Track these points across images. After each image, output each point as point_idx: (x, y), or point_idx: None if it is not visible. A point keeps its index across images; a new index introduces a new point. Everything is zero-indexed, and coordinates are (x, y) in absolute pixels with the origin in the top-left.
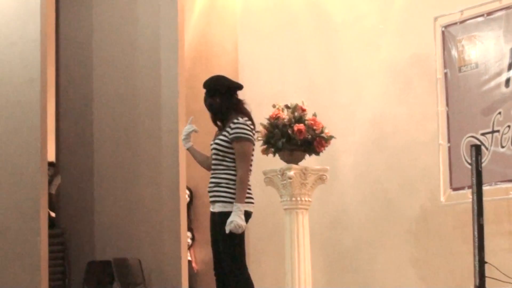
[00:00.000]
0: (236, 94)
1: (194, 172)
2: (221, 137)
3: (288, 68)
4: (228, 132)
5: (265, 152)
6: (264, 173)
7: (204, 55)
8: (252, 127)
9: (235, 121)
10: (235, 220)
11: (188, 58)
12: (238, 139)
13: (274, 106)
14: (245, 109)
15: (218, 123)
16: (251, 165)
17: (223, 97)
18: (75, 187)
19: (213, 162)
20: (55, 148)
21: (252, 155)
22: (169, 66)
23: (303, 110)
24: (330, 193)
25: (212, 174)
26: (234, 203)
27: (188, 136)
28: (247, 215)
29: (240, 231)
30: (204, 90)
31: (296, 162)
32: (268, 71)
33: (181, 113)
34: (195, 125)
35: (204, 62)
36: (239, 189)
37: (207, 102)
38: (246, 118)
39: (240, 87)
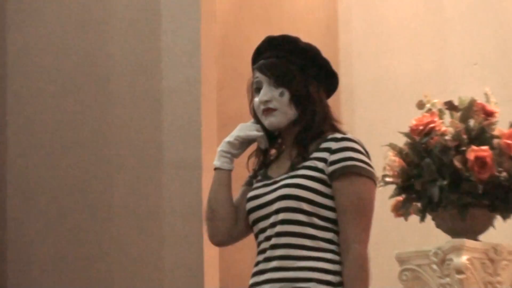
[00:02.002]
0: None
1: (240, 251)
2: (305, 171)
3: (449, 27)
4: (322, 159)
5: (399, 210)
6: (399, 258)
7: (259, 10)
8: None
9: (339, 136)
10: None
11: (222, 17)
12: (353, 170)
13: (420, 104)
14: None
15: (271, 150)
16: None
17: (321, 87)
18: None
19: (280, 226)
20: None
21: None
22: (180, 33)
23: (489, 114)
24: None
25: (273, 251)
26: None
27: (240, 147)
28: None
29: None
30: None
31: (474, 236)
32: (398, 34)
33: (209, 129)
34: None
35: (259, 22)
36: (359, 283)
37: (295, 81)
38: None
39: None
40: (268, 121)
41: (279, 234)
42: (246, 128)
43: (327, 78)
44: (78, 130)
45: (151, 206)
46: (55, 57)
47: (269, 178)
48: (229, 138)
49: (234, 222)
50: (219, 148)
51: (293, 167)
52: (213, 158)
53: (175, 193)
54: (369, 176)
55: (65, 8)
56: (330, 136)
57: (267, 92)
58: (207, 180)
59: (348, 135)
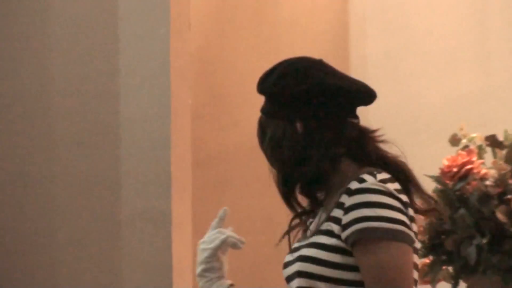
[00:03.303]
0: (354, 116)
1: None
2: (319, 238)
3: (492, 41)
4: (337, 220)
5: (426, 276)
6: None
7: (246, 14)
8: (402, 200)
9: (353, 188)
10: None
11: (198, 24)
12: (368, 235)
13: (455, 140)
14: (384, 153)
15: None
16: None
17: (312, 120)
18: None
19: None
20: None
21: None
22: (143, 45)
23: None
24: None
25: None
26: None
27: (215, 265)
28: None
29: None
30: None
31: None
32: (426, 50)
33: (181, 171)
34: (227, 227)
35: (247, 29)
36: None
37: (266, 136)
38: (385, 176)
39: (368, 95)
40: None
41: None
42: (204, 244)
43: (347, 95)
44: (17, 179)
45: (106, 272)
46: None
47: (299, 241)
48: (198, 264)
49: None
50: (198, 275)
51: (315, 230)
52: (186, 208)
53: (137, 255)
54: (395, 237)
55: (13, 20)
56: (348, 185)
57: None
58: (178, 237)
59: (367, 184)
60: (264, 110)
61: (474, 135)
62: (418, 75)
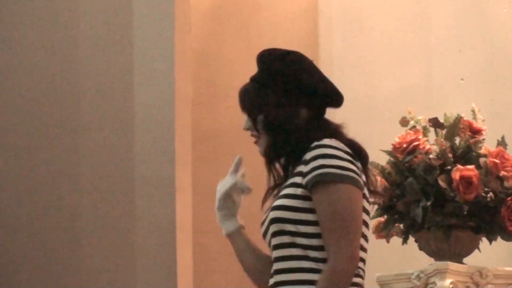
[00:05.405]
0: (323, 107)
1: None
2: (287, 190)
3: (434, 41)
4: (300, 173)
5: (381, 232)
6: (380, 281)
7: (236, 21)
8: (350, 157)
9: (313, 145)
10: None
11: (197, 28)
12: (323, 181)
13: (404, 121)
14: (341, 134)
15: (275, 165)
16: (364, 237)
17: (292, 98)
18: None
19: (273, 250)
20: None
21: (364, 220)
22: (153, 46)
23: (476, 132)
24: None
25: (272, 279)
26: None
27: (227, 204)
28: None
29: None
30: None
31: (459, 258)
32: (382, 48)
33: (183, 146)
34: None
35: (236, 34)
36: None
37: (254, 102)
38: (337, 141)
39: (336, 97)
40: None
41: (274, 260)
42: (220, 186)
43: (323, 91)
44: (48, 145)
45: (123, 224)
46: (23, 76)
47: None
48: (217, 201)
49: (263, 264)
50: (217, 210)
51: (280, 187)
52: (187, 175)
53: (148, 211)
54: (344, 180)
55: (33, 25)
56: (310, 146)
57: (245, 122)
58: (181, 199)
59: (323, 141)
60: (256, 79)
61: (420, 117)
62: (374, 68)
